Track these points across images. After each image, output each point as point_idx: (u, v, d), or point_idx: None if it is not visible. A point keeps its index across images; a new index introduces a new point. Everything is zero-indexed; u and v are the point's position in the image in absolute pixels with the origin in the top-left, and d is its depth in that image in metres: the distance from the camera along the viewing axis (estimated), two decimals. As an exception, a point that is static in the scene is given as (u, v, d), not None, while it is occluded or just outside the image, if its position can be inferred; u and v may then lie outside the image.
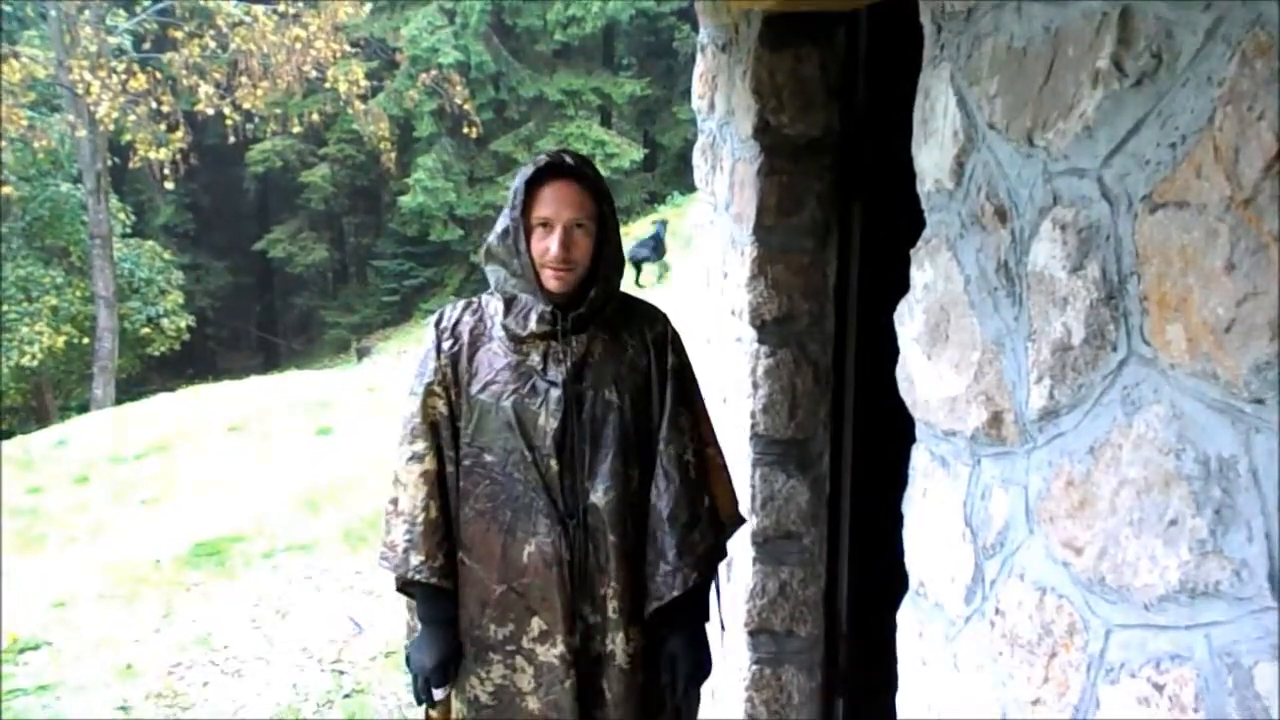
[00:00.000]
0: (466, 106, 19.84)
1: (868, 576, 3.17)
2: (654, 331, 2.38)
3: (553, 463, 2.25)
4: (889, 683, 2.00)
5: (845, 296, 3.04)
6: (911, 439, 1.87)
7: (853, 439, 3.10)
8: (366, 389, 10.98)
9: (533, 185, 2.24)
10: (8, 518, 7.45)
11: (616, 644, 2.29)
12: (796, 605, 3.11)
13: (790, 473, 3.03)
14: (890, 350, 1.95)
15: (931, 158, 1.70)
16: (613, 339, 2.33)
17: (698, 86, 3.59)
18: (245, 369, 24.00)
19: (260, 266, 30.85)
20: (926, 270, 1.73)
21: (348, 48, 17.78)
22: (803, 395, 3.01)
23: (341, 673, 4.60)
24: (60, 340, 18.24)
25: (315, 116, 19.80)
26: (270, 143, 25.95)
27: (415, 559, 2.28)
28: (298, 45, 16.46)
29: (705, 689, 2.46)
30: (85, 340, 19.06)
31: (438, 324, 2.38)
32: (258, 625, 5.07)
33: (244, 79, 15.83)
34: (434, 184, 25.56)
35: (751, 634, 3.09)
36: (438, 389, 2.32)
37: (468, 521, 2.31)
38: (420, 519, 2.29)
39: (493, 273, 2.35)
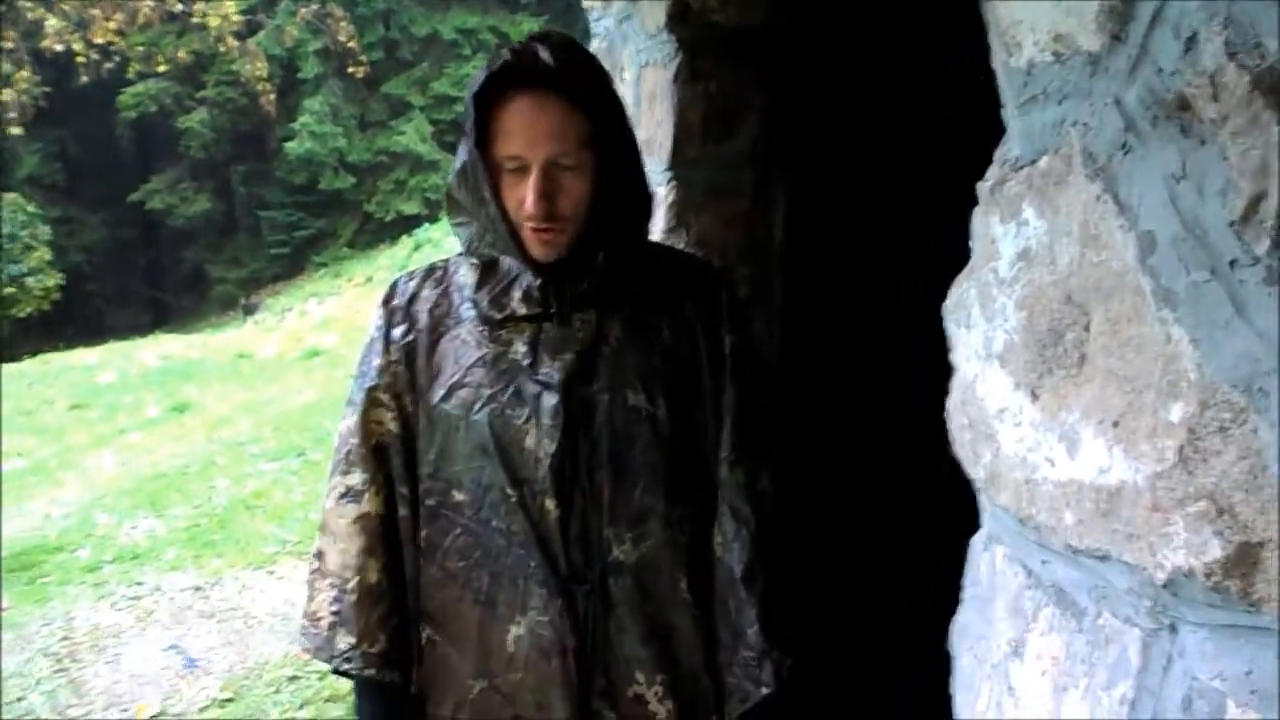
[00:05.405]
0: (352, 44, 18.46)
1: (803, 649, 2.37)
2: (702, 297, 1.60)
3: (549, 503, 1.51)
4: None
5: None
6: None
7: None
8: (237, 355, 9.88)
9: (490, 99, 1.44)
10: None
11: None
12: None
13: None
14: (835, 334, 1.15)
15: (1047, -9, 0.84)
16: (638, 315, 1.56)
17: (590, -25, 2.68)
18: (132, 328, 22.40)
19: (140, 219, 28.96)
20: (1029, 222, 0.87)
21: (217, -22, 16.22)
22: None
23: (164, 729, 3.68)
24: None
25: (183, 55, 18.21)
26: (143, 85, 24.16)
27: (343, 641, 1.55)
28: (155, -28, 14.93)
29: None
30: (-59, 303, 17.43)
31: (387, 301, 1.63)
32: (63, 668, 4.10)
33: (96, 11, 14.25)
34: (322, 129, 24.25)
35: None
36: (384, 396, 1.58)
37: (434, 585, 1.59)
38: (353, 583, 1.56)
39: (461, 228, 1.57)
